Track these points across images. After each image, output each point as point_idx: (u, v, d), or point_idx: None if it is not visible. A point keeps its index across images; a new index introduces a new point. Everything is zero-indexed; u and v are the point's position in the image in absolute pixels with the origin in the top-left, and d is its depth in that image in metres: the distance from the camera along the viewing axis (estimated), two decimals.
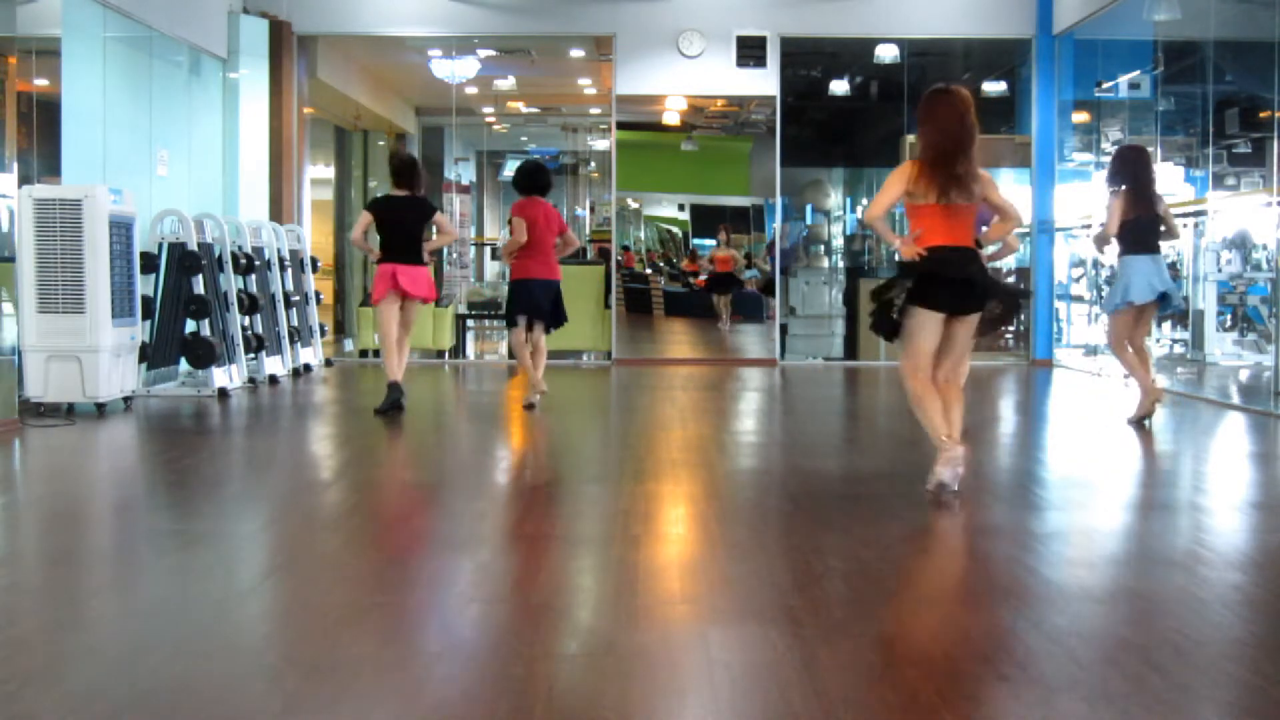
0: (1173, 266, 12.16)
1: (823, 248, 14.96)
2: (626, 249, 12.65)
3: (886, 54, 12.68)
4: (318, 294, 11.80)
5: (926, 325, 5.17)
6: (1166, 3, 10.72)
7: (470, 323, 13.77)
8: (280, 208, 11.85)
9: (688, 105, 12.56)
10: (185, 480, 5.85)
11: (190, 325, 8.90)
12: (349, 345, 14.08)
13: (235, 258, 9.54)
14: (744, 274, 12.77)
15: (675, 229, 12.86)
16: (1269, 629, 3.44)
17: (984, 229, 6.08)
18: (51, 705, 2.75)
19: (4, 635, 3.27)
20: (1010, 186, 12.89)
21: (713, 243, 12.81)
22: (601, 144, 16.47)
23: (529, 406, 8.32)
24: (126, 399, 8.04)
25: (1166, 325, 12.42)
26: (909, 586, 3.91)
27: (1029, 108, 12.57)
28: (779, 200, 12.56)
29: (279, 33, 11.87)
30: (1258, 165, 11.04)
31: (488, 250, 16.69)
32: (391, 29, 12.50)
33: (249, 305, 9.69)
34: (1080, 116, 12.71)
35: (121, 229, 7.94)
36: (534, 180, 8.31)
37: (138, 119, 9.75)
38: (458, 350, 13.24)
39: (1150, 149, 11.57)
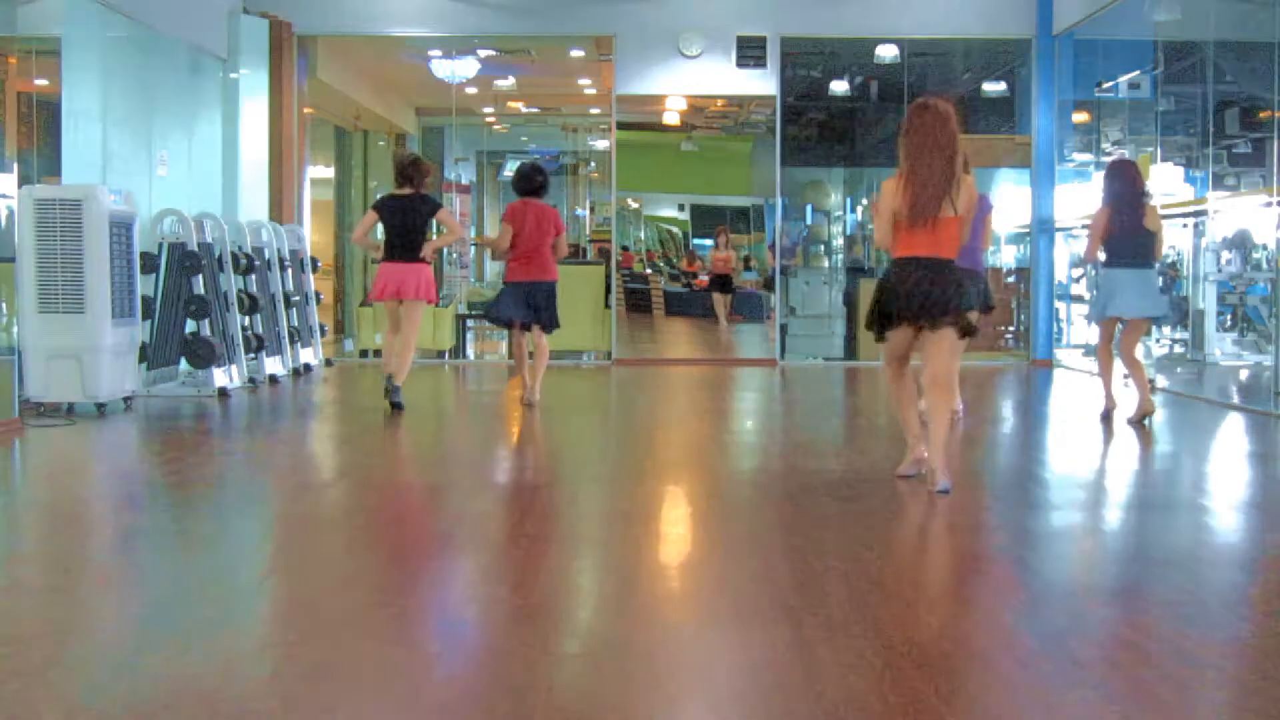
0: (1173, 266, 12.16)
1: (823, 247, 14.96)
2: (626, 249, 12.65)
3: (886, 54, 12.68)
4: (318, 294, 11.80)
5: (895, 333, 5.35)
6: (1166, 3, 10.73)
7: (470, 323, 13.77)
8: (280, 208, 11.84)
9: (688, 105, 12.56)
10: (185, 480, 5.85)
11: (190, 325, 8.89)
12: (349, 345, 14.08)
13: (235, 258, 9.54)
14: (742, 275, 12.76)
15: (675, 229, 12.86)
16: (1269, 629, 3.44)
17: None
18: (51, 705, 2.75)
19: (4, 635, 3.27)
20: (1010, 186, 12.90)
21: (711, 243, 12.79)
22: (601, 144, 16.46)
23: (528, 405, 8.34)
24: (126, 399, 8.04)
25: (1166, 325, 12.42)
26: (909, 586, 3.91)
27: (1029, 108, 12.57)
28: (779, 200, 12.56)
29: (279, 33, 11.87)
30: (1258, 165, 11.03)
31: (487, 250, 16.69)
32: (391, 29, 12.50)
33: (249, 305, 9.68)
34: (1080, 116, 12.71)
35: (121, 229, 7.94)
36: (529, 182, 8.32)
37: (138, 119, 9.74)
38: (458, 350, 13.24)
39: (1151, 149, 11.62)
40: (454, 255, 14.13)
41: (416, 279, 8.03)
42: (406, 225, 8.04)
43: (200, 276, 8.81)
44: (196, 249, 8.79)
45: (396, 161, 8.39)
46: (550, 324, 8.32)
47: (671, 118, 12.63)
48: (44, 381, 7.58)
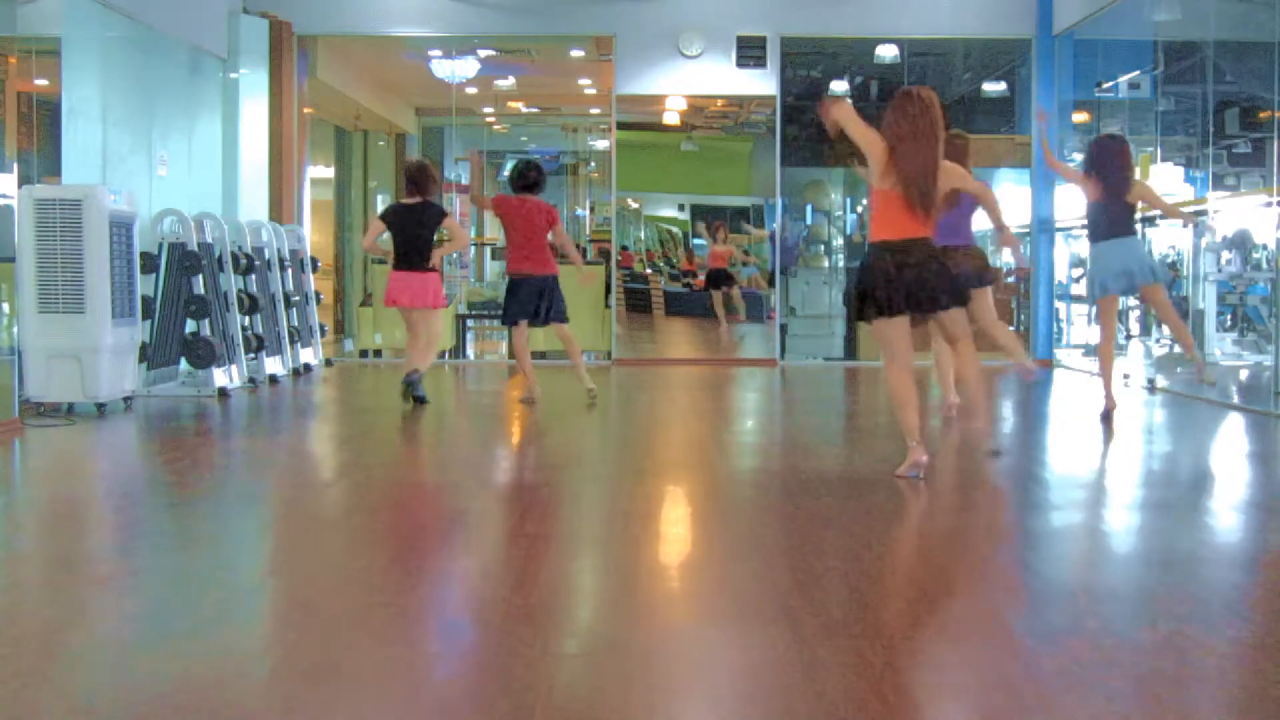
0: (1173, 266, 12.16)
1: (823, 247, 14.96)
2: (626, 249, 12.65)
3: (886, 54, 12.68)
4: (318, 294, 11.80)
5: (885, 323, 5.38)
6: (1166, 3, 10.72)
7: (470, 323, 13.76)
8: (280, 208, 11.85)
9: (688, 105, 12.56)
10: (185, 480, 5.85)
11: (190, 325, 8.90)
12: (349, 345, 14.08)
13: (235, 258, 9.54)
14: (742, 273, 12.75)
15: (675, 229, 12.85)
16: (1269, 629, 3.44)
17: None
18: (51, 705, 2.75)
19: (4, 635, 3.27)
20: (1010, 186, 12.90)
21: (707, 240, 12.79)
22: (601, 144, 16.46)
23: (529, 402, 8.40)
24: (127, 399, 8.04)
25: (1166, 325, 12.42)
26: (909, 586, 3.91)
27: (1029, 108, 12.57)
28: (779, 200, 12.56)
29: (279, 33, 11.87)
30: (1258, 165, 11.03)
31: (488, 250, 16.69)
32: (391, 29, 12.50)
33: (249, 305, 9.68)
34: (1080, 116, 12.70)
35: (121, 229, 7.94)
36: (523, 178, 8.39)
37: (138, 119, 9.74)
38: (458, 350, 13.24)
39: (1151, 149, 11.61)
40: (454, 255, 14.12)
41: (424, 287, 8.19)
42: (414, 234, 8.16)
43: (200, 276, 8.81)
44: (196, 249, 8.80)
45: (405, 168, 8.52)
46: (559, 315, 8.40)
47: (671, 118, 12.63)
48: (44, 381, 7.59)
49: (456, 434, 8.01)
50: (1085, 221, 7.77)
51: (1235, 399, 9.79)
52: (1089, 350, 12.59)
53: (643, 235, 12.79)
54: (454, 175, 15.82)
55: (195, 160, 10.77)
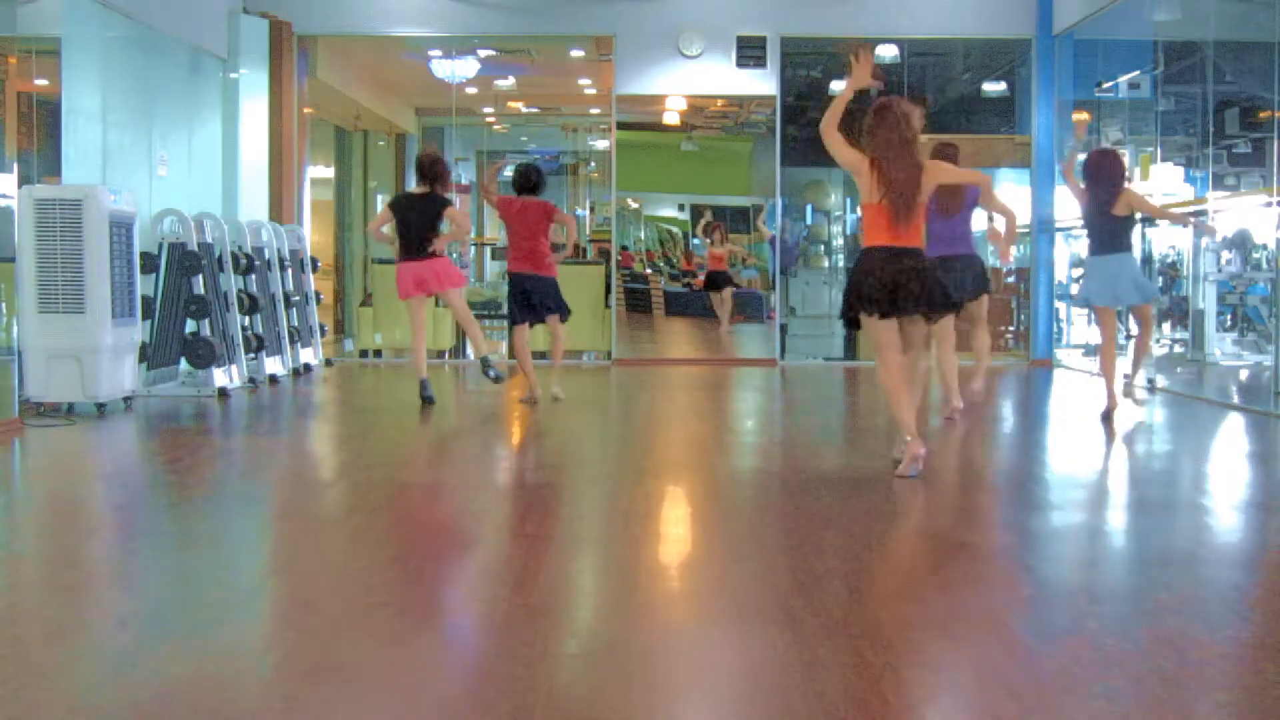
0: (1173, 266, 12.17)
1: (823, 247, 14.96)
2: (626, 249, 12.65)
3: (886, 54, 12.67)
4: (318, 294, 11.80)
5: (873, 325, 5.52)
6: (1166, 3, 10.72)
7: None
8: (280, 208, 11.85)
9: (688, 105, 12.56)
10: (185, 480, 5.85)
11: (190, 325, 8.90)
12: (349, 345, 14.07)
13: (235, 258, 9.54)
14: (742, 273, 12.75)
15: (675, 229, 12.85)
16: (1269, 629, 3.44)
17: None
18: (51, 705, 2.75)
19: (4, 635, 3.27)
20: (1010, 186, 12.90)
21: (705, 240, 12.79)
22: (601, 144, 16.46)
23: (529, 402, 8.43)
24: (126, 399, 8.04)
25: (1167, 325, 12.42)
26: (909, 586, 3.91)
27: (1029, 108, 12.57)
28: (779, 200, 12.56)
29: (279, 33, 11.87)
30: (1258, 165, 11.03)
31: (488, 250, 16.70)
32: (391, 29, 12.50)
33: (249, 305, 9.69)
34: (1080, 116, 12.70)
35: (121, 229, 7.94)
36: (525, 180, 8.54)
37: (138, 119, 9.74)
38: (458, 350, 13.24)
39: (1151, 149, 11.61)
40: (454, 255, 14.13)
41: (435, 272, 8.29)
42: (418, 223, 8.26)
43: (200, 276, 8.81)
44: (196, 249, 8.80)
45: (418, 159, 8.65)
46: (562, 312, 8.55)
47: (671, 118, 12.63)
48: (44, 381, 7.59)
49: (457, 434, 8.01)
50: (1085, 235, 7.89)
51: (1235, 399, 9.79)
52: (1089, 350, 12.60)
53: (643, 235, 12.79)
54: (455, 175, 15.79)
55: (195, 160, 10.77)
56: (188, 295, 8.77)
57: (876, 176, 5.49)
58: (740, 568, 4.06)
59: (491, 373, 8.37)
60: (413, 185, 8.53)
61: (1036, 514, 5.11)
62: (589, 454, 7.12)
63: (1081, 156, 8.01)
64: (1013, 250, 7.75)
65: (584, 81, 15.24)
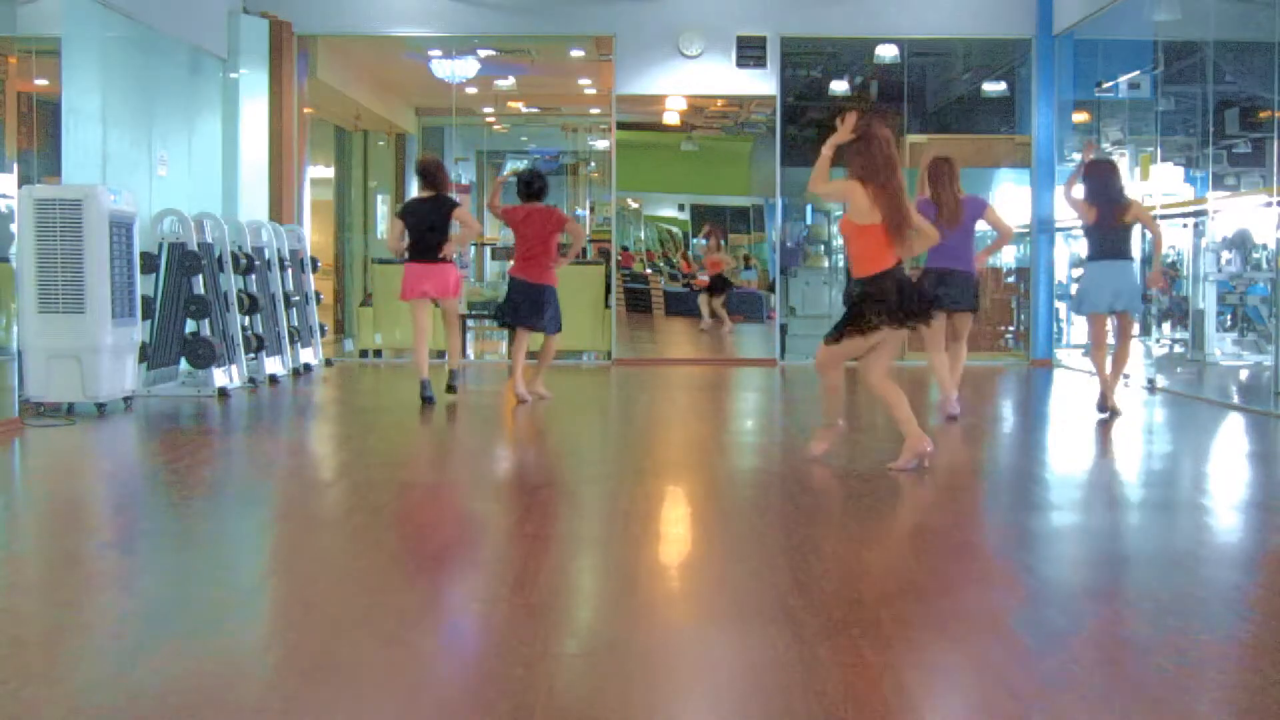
0: (1173, 266, 12.17)
1: (822, 247, 14.96)
2: (626, 249, 12.65)
3: (886, 54, 12.68)
4: (318, 294, 11.80)
5: (853, 344, 5.77)
6: (1166, 3, 10.72)
7: (470, 322, 13.76)
8: (280, 208, 11.84)
9: (688, 105, 12.56)
10: (185, 480, 5.85)
11: (190, 325, 8.90)
12: (349, 345, 14.07)
13: (235, 258, 9.54)
14: (742, 275, 12.77)
15: (675, 229, 12.85)
16: (1269, 629, 3.44)
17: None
18: (51, 705, 2.76)
19: (4, 635, 3.27)
20: (1010, 186, 12.90)
21: (702, 242, 12.80)
22: (601, 144, 16.46)
23: (522, 400, 8.51)
24: (126, 399, 8.04)
25: (1167, 325, 12.42)
26: (910, 586, 3.91)
27: (1029, 108, 12.57)
28: (779, 200, 12.56)
29: (279, 33, 11.87)
30: (1258, 165, 11.04)
31: (488, 250, 16.70)
32: (391, 29, 12.50)
33: (249, 305, 9.68)
34: (1080, 116, 12.71)
35: (121, 229, 7.94)
36: (528, 188, 8.69)
37: (138, 119, 9.74)
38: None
39: (1151, 149, 11.62)
40: (454, 255, 14.14)
41: (443, 279, 8.40)
42: (429, 226, 8.38)
43: (200, 276, 8.81)
44: (196, 249, 8.80)
45: (420, 165, 8.82)
46: (553, 326, 8.63)
47: (671, 118, 12.63)
48: (44, 381, 7.58)
49: (456, 434, 8.01)
50: (1085, 239, 8.01)
51: (1235, 399, 9.79)
52: (1088, 350, 12.59)
53: (643, 235, 12.79)
54: (454, 175, 15.79)
55: (195, 160, 10.77)
56: (188, 295, 8.77)
57: (873, 196, 5.63)
58: (740, 568, 4.06)
59: (455, 384, 8.58)
60: (414, 191, 8.65)
61: (1036, 514, 5.11)
62: (589, 454, 7.12)
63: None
64: (988, 259, 7.99)
65: (584, 81, 15.23)
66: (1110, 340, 7.97)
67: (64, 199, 7.62)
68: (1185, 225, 11.66)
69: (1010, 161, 12.82)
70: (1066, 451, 7.18)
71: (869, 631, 3.27)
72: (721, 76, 12.29)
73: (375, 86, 15.12)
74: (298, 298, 11.00)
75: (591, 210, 16.99)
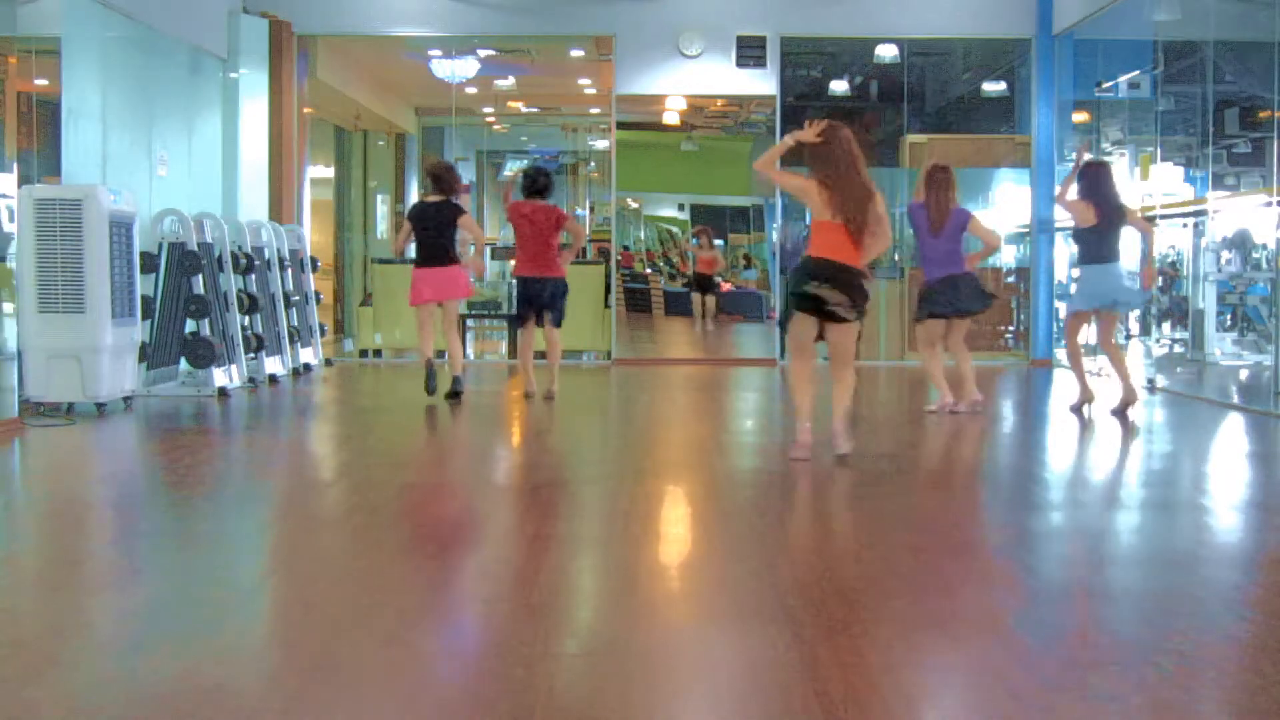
0: (1173, 266, 12.17)
1: None
2: (626, 249, 12.65)
3: (886, 54, 12.68)
4: (318, 294, 11.80)
5: (799, 321, 5.93)
6: (1166, 3, 10.72)
7: (470, 323, 13.76)
8: (280, 208, 11.84)
9: (688, 105, 12.56)
10: (185, 480, 5.85)
11: (190, 325, 8.90)
12: (349, 345, 14.07)
13: (235, 258, 9.54)
14: (742, 275, 12.77)
15: (675, 229, 12.85)
16: (1269, 629, 3.44)
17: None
18: (52, 704, 2.76)
19: (4, 635, 3.27)
20: (1010, 186, 12.90)
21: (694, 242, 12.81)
22: (601, 144, 16.46)
23: (529, 396, 8.63)
24: (127, 399, 8.04)
25: (1167, 325, 12.43)
26: (909, 586, 3.91)
27: (1029, 108, 12.57)
28: (779, 200, 12.56)
29: (279, 33, 11.87)
30: (1258, 165, 11.04)
31: (488, 250, 16.70)
32: (391, 29, 12.50)
33: (249, 305, 9.68)
34: (1080, 116, 12.71)
35: (121, 229, 7.94)
36: (532, 183, 8.74)
37: (138, 119, 9.74)
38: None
39: (1151, 149, 11.62)
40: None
41: (451, 281, 8.48)
42: (435, 230, 8.43)
43: (200, 276, 8.81)
44: (196, 249, 8.80)
45: (431, 167, 8.86)
46: (557, 318, 8.71)
47: (671, 118, 12.63)
48: (44, 381, 7.58)
49: (456, 434, 8.01)
50: (1076, 243, 8.19)
51: (1235, 399, 9.79)
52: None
53: (643, 235, 12.79)
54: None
55: (195, 160, 10.77)
56: (188, 295, 8.77)
57: (826, 196, 5.80)
58: (740, 568, 4.06)
59: (459, 389, 8.52)
60: (414, 191, 8.65)
61: (1036, 513, 5.11)
62: (589, 454, 7.12)
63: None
64: (978, 263, 8.16)
65: (584, 81, 15.23)
66: (1089, 340, 8.19)
67: (64, 199, 7.62)
68: (1185, 225, 11.67)
69: (1010, 161, 12.82)
70: (1066, 451, 7.17)
71: (869, 631, 3.27)
72: (721, 76, 12.29)
73: (375, 86, 15.12)
74: (298, 298, 11.00)
75: (591, 210, 16.98)
